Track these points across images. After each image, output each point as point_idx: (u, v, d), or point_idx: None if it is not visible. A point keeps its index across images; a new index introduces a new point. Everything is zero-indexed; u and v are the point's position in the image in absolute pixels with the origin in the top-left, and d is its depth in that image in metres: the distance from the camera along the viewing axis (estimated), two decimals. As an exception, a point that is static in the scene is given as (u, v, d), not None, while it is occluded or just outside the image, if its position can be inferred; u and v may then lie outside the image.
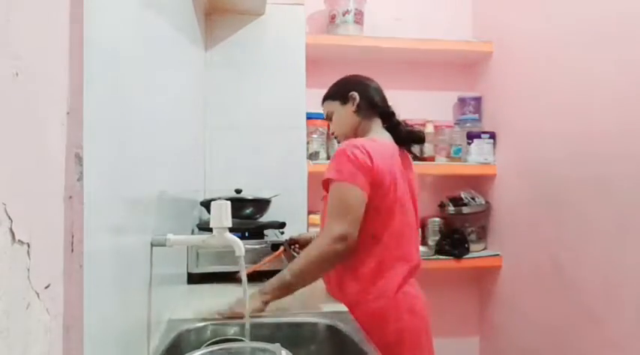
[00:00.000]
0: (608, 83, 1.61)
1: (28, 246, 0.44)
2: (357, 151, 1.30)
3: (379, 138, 1.42)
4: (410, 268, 1.37)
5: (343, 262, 1.30)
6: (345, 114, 1.47)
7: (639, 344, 1.49)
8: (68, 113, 0.53)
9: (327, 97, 1.54)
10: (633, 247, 1.51)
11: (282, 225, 1.70)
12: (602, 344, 1.63)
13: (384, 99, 1.50)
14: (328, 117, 1.54)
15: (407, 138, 1.47)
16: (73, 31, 0.53)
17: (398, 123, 1.49)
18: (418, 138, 1.49)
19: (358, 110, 1.45)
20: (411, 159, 1.51)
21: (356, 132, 1.46)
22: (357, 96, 1.45)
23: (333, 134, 1.56)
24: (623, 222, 1.55)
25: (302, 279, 1.25)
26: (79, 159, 0.53)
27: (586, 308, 1.70)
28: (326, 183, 1.34)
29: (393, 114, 1.49)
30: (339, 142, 1.54)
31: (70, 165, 0.53)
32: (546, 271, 1.91)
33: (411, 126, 1.54)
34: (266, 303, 1.22)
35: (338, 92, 1.50)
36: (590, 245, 1.68)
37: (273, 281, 1.25)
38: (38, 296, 0.46)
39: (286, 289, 1.25)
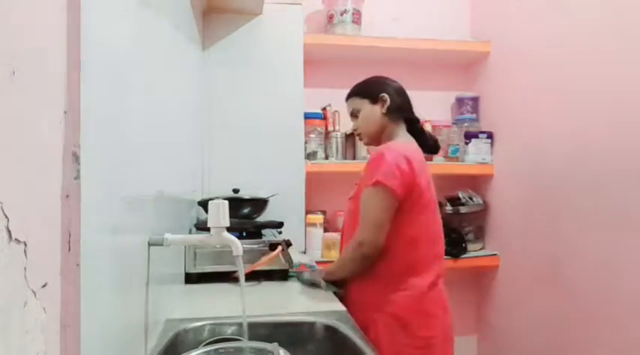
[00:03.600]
0: (606, 83, 1.62)
1: (25, 244, 0.44)
2: (394, 155, 1.35)
3: (409, 142, 1.47)
4: (442, 266, 1.43)
5: (372, 263, 1.37)
6: (373, 114, 1.48)
7: (636, 343, 1.49)
8: (65, 112, 0.53)
9: (354, 94, 1.54)
10: (630, 246, 1.52)
11: (279, 224, 1.70)
12: (599, 343, 1.63)
13: (410, 105, 1.53)
14: (353, 114, 1.54)
15: (432, 148, 1.55)
16: (70, 30, 0.53)
17: (422, 130, 1.54)
18: (438, 149, 1.59)
19: (387, 112, 1.48)
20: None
21: (381, 135, 1.49)
22: (388, 98, 1.47)
23: (356, 131, 1.56)
24: (620, 221, 1.56)
25: (341, 273, 1.43)
26: (76, 157, 0.53)
27: (583, 308, 1.71)
28: (360, 188, 1.40)
29: (418, 120, 1.54)
30: (361, 140, 1.57)
31: (67, 163, 0.53)
32: (543, 270, 1.91)
33: (429, 132, 1.61)
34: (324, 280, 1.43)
35: (368, 90, 1.51)
36: (587, 244, 1.69)
37: (328, 268, 1.49)
38: (35, 295, 0.46)
39: (332, 276, 1.44)
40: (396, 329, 1.33)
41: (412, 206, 1.36)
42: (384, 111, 1.47)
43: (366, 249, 1.34)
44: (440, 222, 1.46)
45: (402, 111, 1.49)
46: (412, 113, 1.53)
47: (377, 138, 1.50)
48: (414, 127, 1.53)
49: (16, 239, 0.42)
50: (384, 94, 1.48)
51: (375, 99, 1.48)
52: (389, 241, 1.36)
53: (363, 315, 1.31)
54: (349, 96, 1.56)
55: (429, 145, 1.53)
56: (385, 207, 1.33)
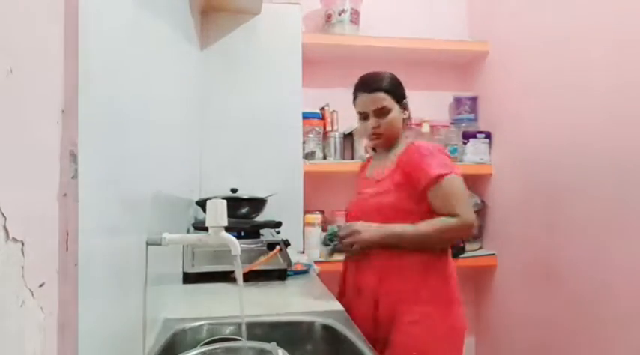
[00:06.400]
0: (604, 83, 1.62)
1: (23, 243, 0.44)
2: (437, 148, 1.43)
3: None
4: None
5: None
6: (400, 119, 1.48)
7: (632, 342, 1.49)
8: (63, 111, 0.52)
9: (388, 91, 1.45)
10: (627, 246, 1.52)
11: (277, 224, 1.70)
12: (596, 342, 1.64)
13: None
14: (383, 112, 1.45)
15: None
16: (68, 28, 0.53)
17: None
18: None
19: (407, 120, 1.51)
20: None
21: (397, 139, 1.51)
22: (409, 108, 1.52)
23: (376, 129, 1.46)
24: (617, 221, 1.56)
25: (420, 242, 1.37)
26: (73, 157, 0.53)
27: (580, 307, 1.71)
28: (434, 180, 1.35)
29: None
30: (377, 138, 1.48)
31: (65, 162, 0.52)
32: (541, 270, 1.92)
33: None
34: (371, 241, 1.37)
35: (399, 94, 1.48)
36: (585, 244, 1.69)
37: (395, 228, 1.36)
38: (33, 294, 0.46)
39: (400, 240, 1.36)
40: (432, 317, 1.35)
41: None
42: (405, 116, 1.50)
43: (471, 232, 1.45)
44: None
45: (409, 118, 1.54)
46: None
47: (394, 142, 1.49)
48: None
49: (13, 238, 0.42)
50: (406, 101, 1.50)
51: (402, 104, 1.49)
52: None
53: (397, 301, 1.36)
54: (380, 90, 1.45)
55: None
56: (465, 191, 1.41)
